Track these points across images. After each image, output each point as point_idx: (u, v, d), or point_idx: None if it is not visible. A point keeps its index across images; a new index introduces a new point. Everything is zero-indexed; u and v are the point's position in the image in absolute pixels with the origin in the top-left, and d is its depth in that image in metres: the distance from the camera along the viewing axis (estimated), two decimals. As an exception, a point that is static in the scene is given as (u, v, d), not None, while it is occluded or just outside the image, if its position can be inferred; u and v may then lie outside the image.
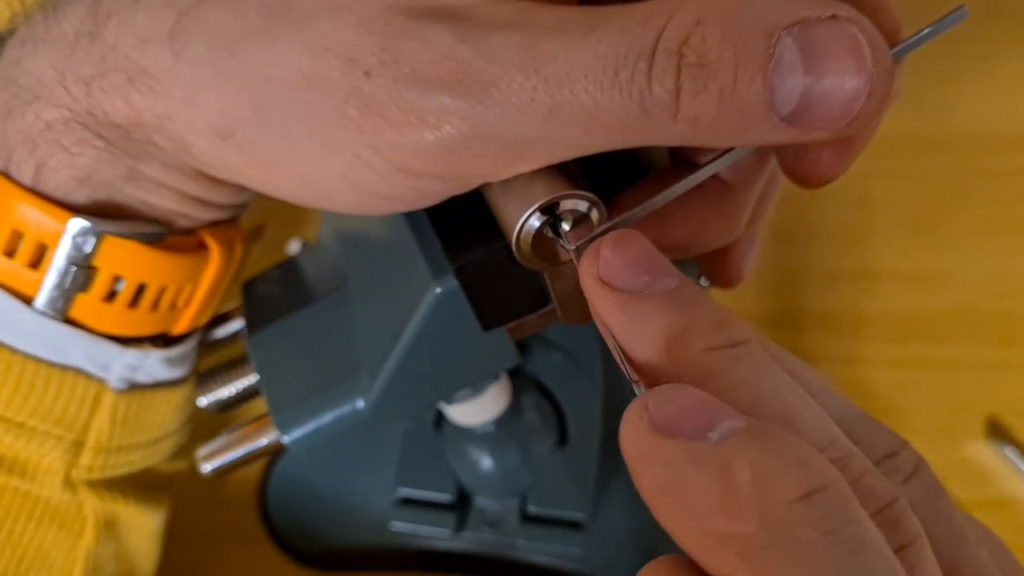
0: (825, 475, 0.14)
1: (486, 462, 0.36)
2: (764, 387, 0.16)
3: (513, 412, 0.35)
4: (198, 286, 0.27)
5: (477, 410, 0.33)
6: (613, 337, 0.18)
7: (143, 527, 0.30)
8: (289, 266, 0.30)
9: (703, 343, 0.17)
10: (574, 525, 0.37)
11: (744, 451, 0.14)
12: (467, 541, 0.38)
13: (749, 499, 0.14)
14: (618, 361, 0.18)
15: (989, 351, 0.42)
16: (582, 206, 0.20)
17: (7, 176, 0.23)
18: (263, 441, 0.28)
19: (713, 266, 0.27)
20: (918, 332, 0.43)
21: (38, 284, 0.24)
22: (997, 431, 0.41)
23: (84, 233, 0.23)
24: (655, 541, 0.36)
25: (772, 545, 0.14)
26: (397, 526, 0.38)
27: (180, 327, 0.27)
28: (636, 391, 0.17)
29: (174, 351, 0.28)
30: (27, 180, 0.23)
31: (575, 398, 0.38)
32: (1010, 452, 0.40)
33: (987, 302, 0.43)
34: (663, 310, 0.17)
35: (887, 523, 0.15)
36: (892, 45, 0.18)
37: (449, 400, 0.32)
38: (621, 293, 0.18)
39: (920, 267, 0.44)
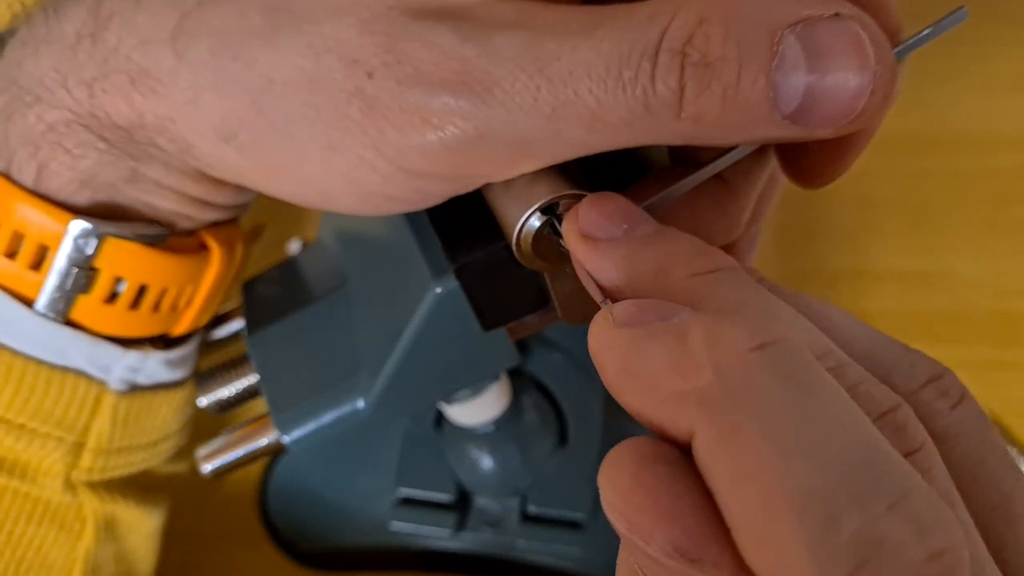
0: (776, 330, 0.15)
1: (486, 462, 0.36)
2: (750, 306, 0.16)
3: (513, 412, 0.35)
4: (199, 287, 0.27)
5: (477, 410, 0.33)
6: (598, 289, 0.18)
7: (142, 528, 0.30)
8: (289, 266, 0.30)
9: (684, 271, 0.17)
10: (574, 525, 0.37)
11: (697, 320, 0.15)
12: (467, 541, 0.38)
13: (702, 353, 0.14)
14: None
15: (989, 351, 0.42)
16: None
17: (8, 178, 0.23)
18: (263, 441, 0.28)
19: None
20: (918, 332, 0.42)
21: (39, 286, 0.24)
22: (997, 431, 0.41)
23: (86, 235, 0.23)
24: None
25: (728, 391, 0.14)
26: (397, 526, 0.38)
27: (181, 328, 0.27)
28: None
29: (175, 353, 0.28)
30: (28, 182, 0.23)
31: (575, 398, 0.38)
32: (1010, 452, 0.40)
33: (987, 302, 0.42)
34: (643, 250, 0.18)
35: (891, 429, 0.14)
36: (892, 46, 0.18)
37: (449, 400, 0.32)
38: (602, 242, 0.18)
39: (920, 267, 0.43)
